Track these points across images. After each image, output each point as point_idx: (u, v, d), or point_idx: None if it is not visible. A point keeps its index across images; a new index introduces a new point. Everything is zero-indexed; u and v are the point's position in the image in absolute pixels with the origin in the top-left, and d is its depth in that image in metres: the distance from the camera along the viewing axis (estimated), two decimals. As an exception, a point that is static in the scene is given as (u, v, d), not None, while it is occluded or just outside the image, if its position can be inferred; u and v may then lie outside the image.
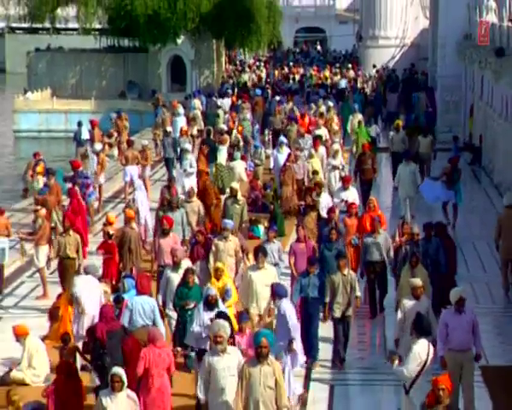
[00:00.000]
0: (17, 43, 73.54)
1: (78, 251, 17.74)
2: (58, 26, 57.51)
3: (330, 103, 36.50)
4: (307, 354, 13.67)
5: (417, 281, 13.61)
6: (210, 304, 12.65)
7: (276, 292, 13.21)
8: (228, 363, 10.78)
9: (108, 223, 19.20)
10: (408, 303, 13.16)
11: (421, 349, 11.48)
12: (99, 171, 26.97)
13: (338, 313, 14.20)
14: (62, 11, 55.38)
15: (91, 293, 15.05)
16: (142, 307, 13.72)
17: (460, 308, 12.60)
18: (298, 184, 25.05)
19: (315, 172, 24.12)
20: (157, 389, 11.80)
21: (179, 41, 53.07)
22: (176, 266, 14.78)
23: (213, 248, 16.51)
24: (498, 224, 19.67)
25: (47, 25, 56.27)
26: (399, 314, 13.22)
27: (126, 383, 10.47)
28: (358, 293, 14.60)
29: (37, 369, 14.48)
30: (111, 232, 18.33)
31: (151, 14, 50.01)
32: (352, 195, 21.02)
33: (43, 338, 15.38)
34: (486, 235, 22.04)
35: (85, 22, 54.51)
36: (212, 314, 12.46)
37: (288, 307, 13.04)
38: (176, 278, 14.38)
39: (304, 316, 14.30)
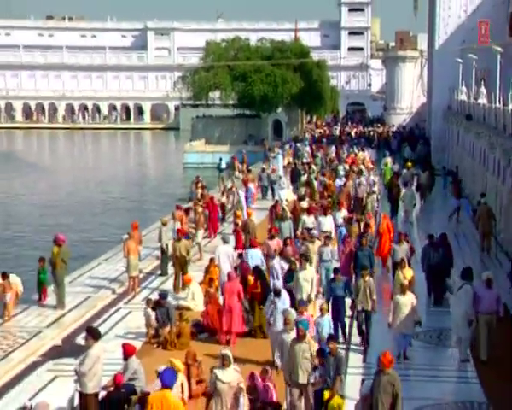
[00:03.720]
0: (186, 113, 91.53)
1: (188, 252, 20.89)
2: (209, 102, 74.87)
3: (366, 151, 46.18)
4: (336, 333, 15.28)
5: (405, 280, 16.42)
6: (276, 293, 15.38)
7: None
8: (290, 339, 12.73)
9: (236, 216, 25.73)
10: (399, 298, 15.30)
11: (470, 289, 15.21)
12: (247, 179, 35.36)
13: (359, 307, 15.88)
14: (212, 94, 73.34)
15: (227, 255, 19.74)
16: (251, 256, 19.23)
17: (489, 285, 15.43)
18: (349, 199, 29.61)
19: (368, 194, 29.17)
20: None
21: (279, 111, 73.48)
22: (281, 255, 18.96)
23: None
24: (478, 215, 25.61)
25: (203, 102, 74.41)
26: (392, 305, 15.41)
27: (233, 361, 11.73)
28: (374, 296, 15.90)
29: (196, 300, 18.64)
30: (238, 222, 24.46)
31: (262, 95, 69.09)
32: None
33: (200, 283, 19.49)
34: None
35: (224, 100, 73.81)
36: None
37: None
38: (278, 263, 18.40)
39: (333, 309, 15.94)
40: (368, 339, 15.74)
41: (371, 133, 69.01)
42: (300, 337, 12.20)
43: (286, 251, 19.08)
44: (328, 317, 14.91)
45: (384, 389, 10.58)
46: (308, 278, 16.62)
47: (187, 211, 26.98)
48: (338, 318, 15.84)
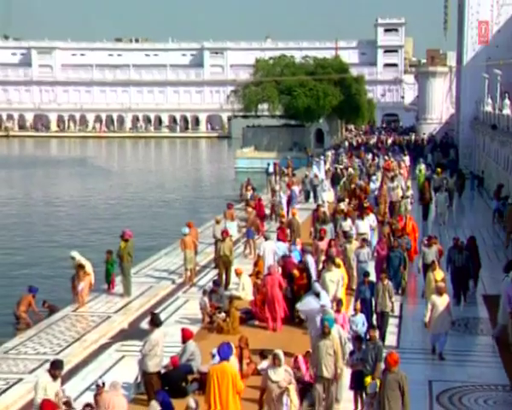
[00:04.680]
0: (238, 123, 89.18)
1: (230, 251, 20.15)
2: (258, 113, 75.42)
3: (405, 157, 45.48)
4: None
5: (441, 283, 15.33)
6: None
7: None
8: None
9: (282, 215, 26.52)
10: (435, 298, 14.63)
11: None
12: (291, 183, 35.66)
13: (379, 309, 15.20)
14: (261, 106, 74.00)
15: (271, 250, 20.04)
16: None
17: None
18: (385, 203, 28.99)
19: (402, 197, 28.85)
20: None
21: (320, 121, 73.78)
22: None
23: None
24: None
25: (253, 113, 74.58)
26: (429, 306, 14.65)
27: (284, 361, 11.05)
28: (393, 299, 15.42)
29: (246, 291, 18.62)
30: (284, 220, 25.03)
31: (306, 107, 69.37)
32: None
33: (250, 275, 19.56)
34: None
35: (272, 111, 74.30)
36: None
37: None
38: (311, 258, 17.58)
39: (362, 310, 14.97)
40: (384, 338, 14.81)
41: (405, 141, 68.38)
42: (325, 334, 11.55)
43: (330, 252, 18.48)
44: (361, 315, 14.34)
45: (391, 387, 10.28)
46: (334, 279, 16.04)
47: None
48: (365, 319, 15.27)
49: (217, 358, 11.18)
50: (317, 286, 14.50)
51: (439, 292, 14.73)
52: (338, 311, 13.67)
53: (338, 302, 14.18)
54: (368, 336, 12.44)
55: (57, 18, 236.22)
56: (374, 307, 15.07)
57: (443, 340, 14.72)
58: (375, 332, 12.28)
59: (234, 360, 11.87)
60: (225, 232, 20.66)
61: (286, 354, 11.65)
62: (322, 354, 11.36)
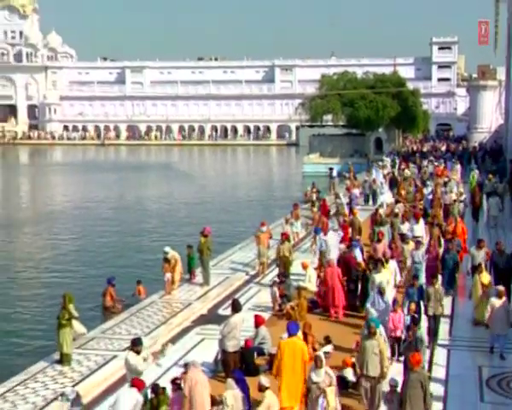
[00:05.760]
0: (305, 132, 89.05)
1: (290, 252, 19.67)
2: (323, 123, 74.87)
3: (457, 164, 44.35)
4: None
5: (501, 287, 14.13)
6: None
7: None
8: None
9: (344, 215, 26.42)
10: (494, 301, 13.76)
11: None
12: (351, 186, 35.20)
13: (430, 312, 13.99)
14: (325, 117, 73.69)
15: (333, 245, 20.03)
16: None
17: None
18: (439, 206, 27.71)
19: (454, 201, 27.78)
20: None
21: (379, 130, 72.94)
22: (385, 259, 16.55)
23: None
24: None
25: (318, 123, 74.35)
26: (489, 308, 13.74)
27: (325, 362, 10.35)
28: (443, 302, 14.33)
29: (312, 282, 18.13)
30: (346, 219, 25.15)
31: (366, 117, 68.63)
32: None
33: (315, 268, 19.38)
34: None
35: (335, 122, 73.88)
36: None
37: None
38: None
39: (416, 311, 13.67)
40: (436, 340, 13.93)
41: (458, 148, 66.71)
42: (371, 334, 10.93)
43: (386, 253, 17.94)
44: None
45: (413, 385, 9.78)
46: (384, 279, 15.15)
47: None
48: None
49: (285, 335, 11.23)
50: (382, 283, 14.01)
51: (499, 295, 13.94)
52: (394, 311, 13.04)
53: (393, 302, 13.49)
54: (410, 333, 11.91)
55: (147, 41, 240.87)
56: (423, 310, 14.04)
57: (503, 340, 13.90)
58: (415, 328, 11.86)
59: (300, 336, 11.78)
60: (284, 235, 20.44)
61: (347, 338, 11.55)
62: (368, 353, 10.83)
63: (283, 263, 19.46)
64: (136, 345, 11.23)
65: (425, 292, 14.03)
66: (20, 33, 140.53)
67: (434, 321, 13.98)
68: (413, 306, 13.15)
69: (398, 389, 10.18)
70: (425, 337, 12.19)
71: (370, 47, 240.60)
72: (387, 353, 11.51)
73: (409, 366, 10.04)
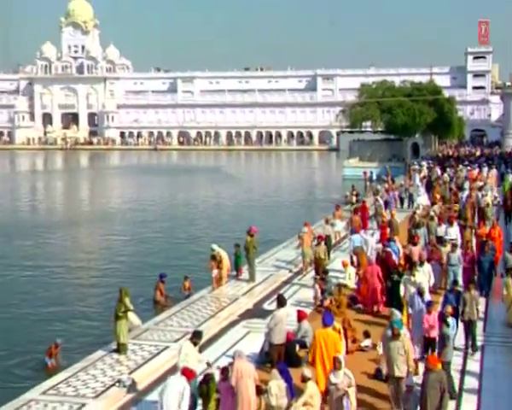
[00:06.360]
0: (345, 137, 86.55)
1: (325, 254, 19.46)
2: (363, 129, 73.86)
3: (492, 168, 43.89)
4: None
5: None
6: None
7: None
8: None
9: (383, 216, 25.48)
10: None
11: None
12: (389, 189, 34.40)
13: (466, 318, 13.46)
14: (365, 123, 72.45)
15: (371, 245, 19.48)
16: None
17: None
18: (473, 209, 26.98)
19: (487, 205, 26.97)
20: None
21: (416, 136, 72.03)
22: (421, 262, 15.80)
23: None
24: None
25: (358, 129, 73.08)
26: None
27: (344, 364, 9.93)
28: (479, 307, 13.79)
29: (352, 280, 18.26)
30: (384, 220, 24.17)
31: (404, 124, 67.59)
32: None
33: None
34: None
35: (374, 128, 72.80)
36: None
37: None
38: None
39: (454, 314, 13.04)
40: (474, 345, 13.41)
41: (492, 153, 65.52)
42: (395, 336, 10.55)
43: (422, 256, 17.33)
44: (453, 319, 12.31)
45: (432, 385, 9.46)
46: (417, 281, 14.57)
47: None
48: None
49: (321, 325, 11.24)
50: (422, 283, 13.64)
51: None
52: (429, 312, 12.38)
53: (429, 304, 12.71)
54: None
55: (197, 53, 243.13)
56: (460, 315, 13.49)
57: None
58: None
59: (337, 327, 11.62)
60: (320, 237, 20.21)
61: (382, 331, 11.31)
62: (394, 354, 10.47)
63: (318, 265, 19.17)
64: (196, 337, 11.15)
65: (461, 297, 13.50)
66: (82, 47, 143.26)
67: (470, 326, 13.47)
68: (449, 309, 12.55)
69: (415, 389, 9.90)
70: (451, 336, 11.64)
71: (408, 57, 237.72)
72: (413, 353, 11.17)
73: (428, 366, 9.72)
